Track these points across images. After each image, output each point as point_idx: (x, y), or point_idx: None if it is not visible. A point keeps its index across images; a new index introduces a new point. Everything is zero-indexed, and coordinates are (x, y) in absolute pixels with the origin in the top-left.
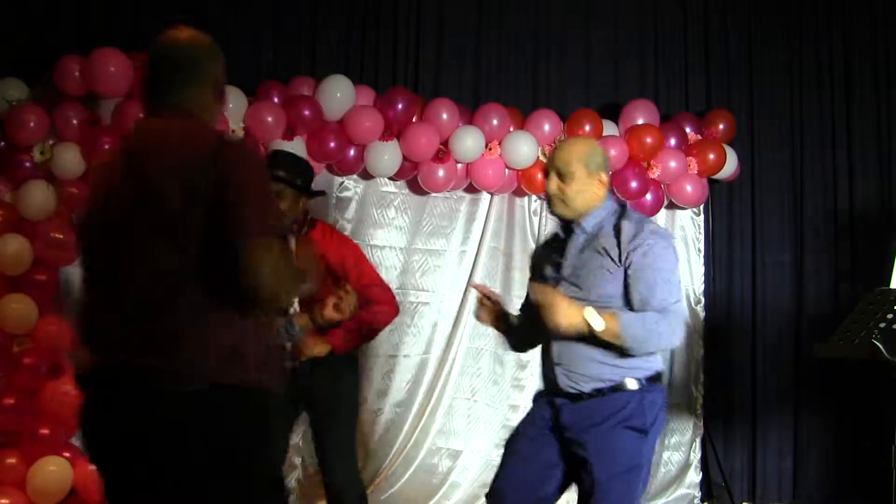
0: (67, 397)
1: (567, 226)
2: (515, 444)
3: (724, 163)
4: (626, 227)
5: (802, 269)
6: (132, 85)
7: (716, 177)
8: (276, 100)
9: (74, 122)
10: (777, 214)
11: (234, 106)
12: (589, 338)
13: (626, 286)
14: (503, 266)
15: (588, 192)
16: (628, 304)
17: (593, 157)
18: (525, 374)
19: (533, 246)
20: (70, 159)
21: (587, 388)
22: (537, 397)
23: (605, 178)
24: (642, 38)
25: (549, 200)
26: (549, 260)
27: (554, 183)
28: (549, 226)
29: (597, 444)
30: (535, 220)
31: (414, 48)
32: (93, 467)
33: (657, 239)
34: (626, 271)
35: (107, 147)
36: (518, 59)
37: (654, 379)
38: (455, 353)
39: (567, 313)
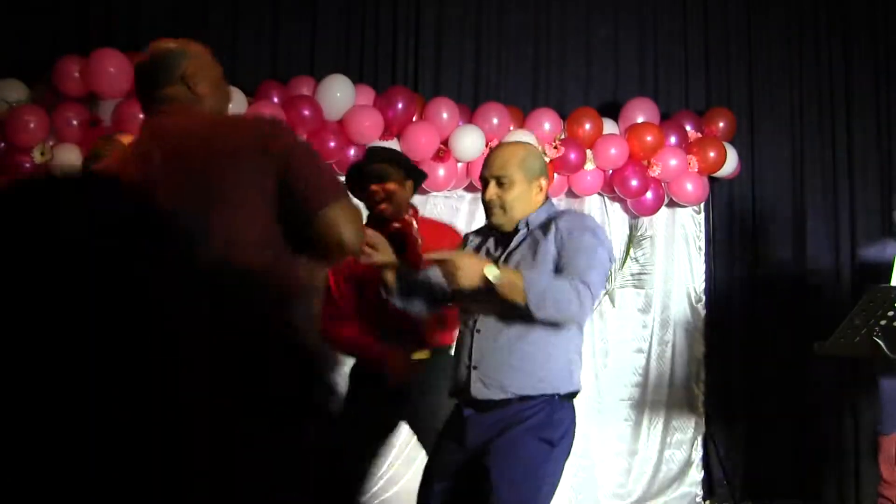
0: None
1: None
2: None
3: (725, 161)
4: (563, 223)
5: (803, 267)
6: (132, 85)
7: (716, 175)
8: (275, 100)
9: (74, 122)
10: (777, 212)
11: (234, 106)
12: (512, 342)
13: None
14: None
15: (527, 200)
16: None
17: (531, 162)
18: None
19: None
20: (70, 160)
21: (499, 397)
22: (443, 432)
23: (544, 184)
24: (642, 36)
25: (487, 210)
26: (486, 254)
27: (492, 190)
28: None
29: (499, 449)
30: None
31: (413, 48)
32: None
33: (588, 231)
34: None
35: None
36: (518, 58)
37: (568, 397)
38: None
39: (469, 272)
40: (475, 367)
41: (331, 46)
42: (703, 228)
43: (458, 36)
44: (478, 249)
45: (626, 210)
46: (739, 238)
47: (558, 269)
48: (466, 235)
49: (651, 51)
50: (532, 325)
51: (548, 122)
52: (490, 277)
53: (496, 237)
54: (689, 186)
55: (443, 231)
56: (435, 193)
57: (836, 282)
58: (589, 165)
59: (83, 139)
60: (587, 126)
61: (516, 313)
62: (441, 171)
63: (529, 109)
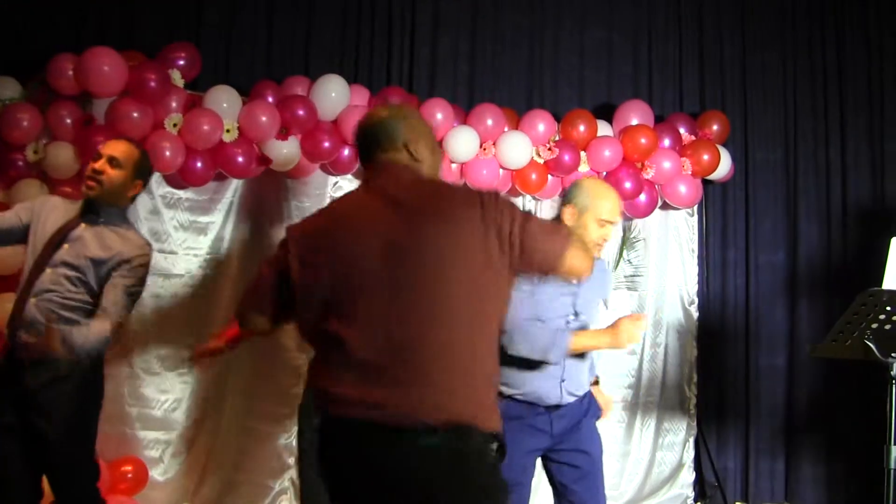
0: None
1: None
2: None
3: (718, 163)
4: None
5: (796, 269)
6: (126, 84)
7: (710, 177)
8: (270, 99)
9: (68, 121)
10: (770, 215)
11: (228, 105)
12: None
13: None
14: None
15: None
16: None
17: None
18: None
19: None
20: (64, 158)
21: (579, 394)
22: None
23: None
24: (636, 38)
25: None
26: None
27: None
28: None
29: (586, 434)
30: None
31: (409, 48)
32: None
33: None
34: None
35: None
36: (513, 59)
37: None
38: None
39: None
40: (563, 380)
41: (326, 46)
42: (696, 231)
43: (453, 37)
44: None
45: (620, 212)
46: (733, 241)
47: None
48: None
49: (645, 53)
50: None
51: (542, 124)
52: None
53: None
54: (683, 189)
55: None
56: None
57: (829, 284)
58: (583, 167)
59: (77, 137)
60: (581, 128)
61: None
62: None
63: (524, 111)
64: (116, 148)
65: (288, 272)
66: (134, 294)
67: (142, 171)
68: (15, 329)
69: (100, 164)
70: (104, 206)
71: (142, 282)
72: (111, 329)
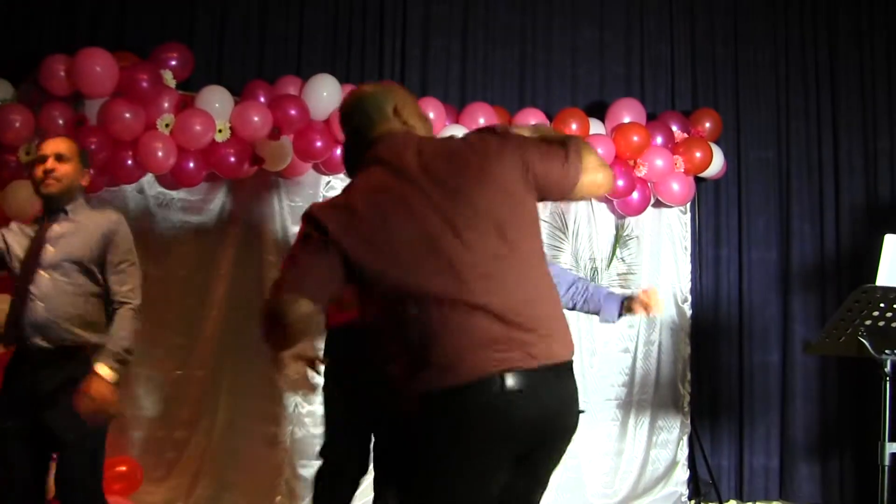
0: None
1: None
2: None
3: (711, 161)
4: None
5: (789, 266)
6: (118, 84)
7: (702, 175)
8: (262, 99)
9: (60, 121)
10: (763, 212)
11: (220, 105)
12: None
13: None
14: None
15: None
16: None
17: None
18: None
19: None
20: None
21: None
22: None
23: None
24: (629, 36)
25: None
26: None
27: None
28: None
29: None
30: None
31: (400, 47)
32: None
33: None
34: None
35: (92, 147)
36: (504, 57)
37: None
38: None
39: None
40: None
41: (318, 46)
42: (689, 228)
43: (445, 36)
44: None
45: (613, 210)
46: (726, 238)
47: None
48: None
49: (637, 51)
50: None
51: (534, 122)
52: None
53: None
54: (676, 186)
55: None
56: None
57: (822, 282)
58: None
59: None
60: (574, 126)
61: None
62: None
63: (516, 110)
64: (58, 145)
65: (343, 254)
66: (136, 265)
67: (85, 160)
68: (23, 333)
69: (50, 164)
70: (65, 201)
71: (133, 252)
72: (138, 314)
